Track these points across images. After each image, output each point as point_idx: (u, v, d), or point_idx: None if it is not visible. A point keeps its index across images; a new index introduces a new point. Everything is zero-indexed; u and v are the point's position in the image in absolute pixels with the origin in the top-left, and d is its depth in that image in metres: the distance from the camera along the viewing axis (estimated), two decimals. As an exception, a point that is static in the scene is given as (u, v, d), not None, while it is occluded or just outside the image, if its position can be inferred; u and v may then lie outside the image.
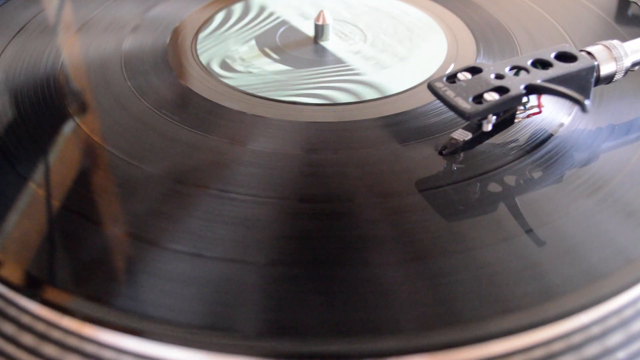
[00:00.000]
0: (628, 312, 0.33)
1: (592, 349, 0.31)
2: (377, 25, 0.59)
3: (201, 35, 0.57)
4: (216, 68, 0.52)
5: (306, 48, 0.56)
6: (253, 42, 0.56)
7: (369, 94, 0.49)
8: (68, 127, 0.46)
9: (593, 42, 0.44)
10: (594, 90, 0.44)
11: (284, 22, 0.60)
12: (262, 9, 0.62)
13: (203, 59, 0.54)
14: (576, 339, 0.31)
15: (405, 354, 0.31)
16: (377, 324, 0.32)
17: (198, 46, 0.55)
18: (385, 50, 0.55)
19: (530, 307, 0.33)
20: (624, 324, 0.32)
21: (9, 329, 0.32)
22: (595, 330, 0.32)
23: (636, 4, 0.60)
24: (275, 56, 0.54)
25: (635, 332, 0.32)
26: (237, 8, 0.62)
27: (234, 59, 0.53)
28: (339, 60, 0.54)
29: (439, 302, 0.33)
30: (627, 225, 0.38)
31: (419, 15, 0.60)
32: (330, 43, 0.57)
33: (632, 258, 0.35)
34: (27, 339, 0.32)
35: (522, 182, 0.40)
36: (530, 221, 0.38)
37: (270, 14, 0.61)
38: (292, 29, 0.59)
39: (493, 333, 0.31)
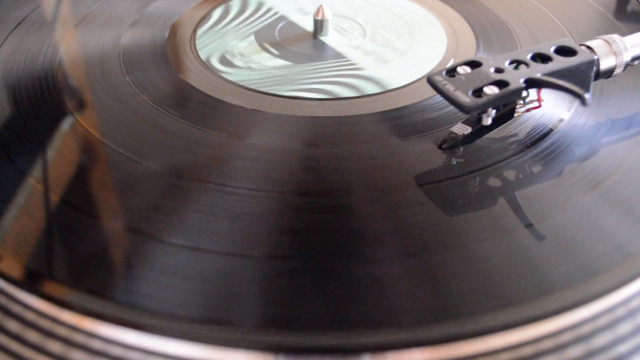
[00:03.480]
0: (625, 308, 0.33)
1: (589, 345, 0.31)
2: (375, 20, 0.59)
3: (200, 31, 0.57)
4: (216, 63, 0.52)
5: (306, 43, 0.56)
6: (252, 37, 0.56)
7: (370, 88, 0.49)
8: (67, 123, 0.46)
9: (593, 37, 0.44)
10: (594, 86, 0.44)
11: (282, 17, 0.60)
12: (260, 4, 0.62)
13: (202, 54, 0.53)
14: (575, 333, 0.31)
15: (404, 348, 0.31)
16: (375, 318, 0.32)
17: (197, 41, 0.55)
18: (385, 45, 0.55)
19: (528, 302, 0.33)
20: (622, 318, 0.32)
21: (8, 323, 0.32)
22: (598, 323, 0.32)
23: (636, -1, 0.60)
24: (274, 51, 0.54)
25: (634, 326, 0.32)
26: (236, 3, 0.62)
27: (234, 54, 0.53)
28: (339, 55, 0.54)
29: (438, 296, 0.33)
30: (627, 220, 0.38)
31: (418, 10, 0.60)
32: (330, 38, 0.57)
33: (631, 253, 0.35)
34: (28, 334, 0.32)
35: (521, 176, 0.40)
36: (529, 216, 0.37)
37: (269, 9, 0.61)
38: (291, 24, 0.59)
39: (491, 327, 0.31)
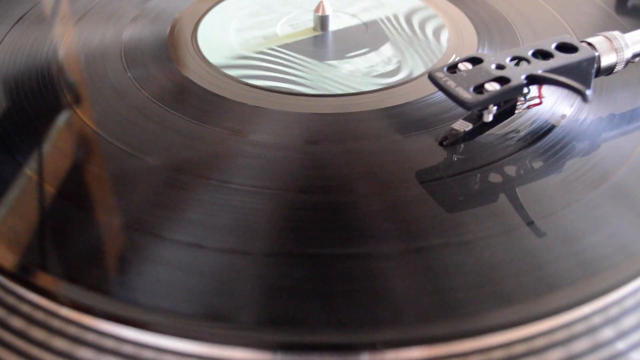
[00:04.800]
0: (629, 303, 0.33)
1: (594, 339, 0.31)
2: (375, 15, 0.59)
3: (201, 27, 0.57)
4: (224, 62, 0.52)
5: (310, 39, 0.56)
6: (256, 33, 0.56)
7: (389, 80, 0.49)
8: (67, 117, 0.46)
9: (594, 34, 0.44)
10: (596, 82, 0.44)
11: (281, 15, 0.59)
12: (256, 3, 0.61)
13: (207, 54, 0.53)
14: (578, 329, 0.31)
15: (405, 345, 0.31)
16: (376, 315, 0.32)
17: (200, 42, 0.55)
18: (389, 38, 0.55)
19: (530, 299, 0.33)
20: (625, 314, 0.32)
21: (1, 313, 0.32)
22: (596, 320, 0.32)
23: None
24: (284, 49, 0.54)
25: (637, 322, 0.32)
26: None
27: (243, 54, 0.53)
28: (346, 50, 0.54)
29: (439, 293, 0.33)
30: (630, 216, 0.38)
31: (420, 7, 0.60)
32: (332, 33, 0.56)
33: (634, 250, 0.35)
34: (24, 326, 0.32)
35: (523, 173, 0.40)
36: (531, 213, 0.37)
37: (267, 6, 0.61)
38: (292, 21, 0.58)
39: (493, 325, 0.31)
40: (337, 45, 0.55)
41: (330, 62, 0.52)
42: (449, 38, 0.55)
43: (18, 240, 0.36)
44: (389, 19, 0.58)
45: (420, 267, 0.34)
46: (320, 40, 0.56)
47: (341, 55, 0.53)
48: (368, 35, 0.56)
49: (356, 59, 0.53)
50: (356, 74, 0.50)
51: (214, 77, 0.50)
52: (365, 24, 0.58)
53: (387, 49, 0.54)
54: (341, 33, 0.57)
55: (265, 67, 0.52)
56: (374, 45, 0.55)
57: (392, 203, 0.39)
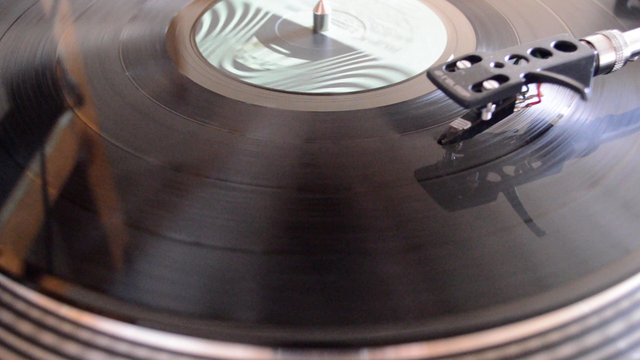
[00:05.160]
0: (625, 304, 0.33)
1: (591, 339, 0.31)
2: (368, 11, 0.59)
3: (199, 26, 0.57)
4: (230, 68, 0.52)
5: (310, 39, 0.56)
6: (255, 39, 0.56)
7: (396, 76, 0.49)
8: (66, 117, 0.45)
9: (592, 32, 0.44)
10: (594, 81, 0.44)
11: (275, 17, 0.59)
12: (249, 5, 0.61)
13: (212, 59, 0.53)
14: (573, 329, 0.31)
15: (403, 343, 0.31)
16: (375, 313, 0.32)
17: (198, 40, 0.55)
18: (389, 35, 0.55)
19: (526, 297, 0.33)
20: (622, 314, 0.32)
21: (7, 317, 0.32)
22: (593, 320, 0.32)
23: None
24: (284, 50, 0.54)
25: (634, 322, 0.32)
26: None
27: (246, 59, 0.53)
28: (349, 48, 0.54)
29: (437, 291, 0.33)
30: (625, 216, 0.38)
31: (418, 6, 0.60)
32: (332, 32, 0.56)
33: (629, 249, 0.35)
34: (25, 327, 0.32)
35: (520, 172, 0.40)
36: (528, 211, 0.37)
37: (259, 9, 0.60)
38: (287, 22, 0.58)
39: (490, 322, 0.31)
40: (333, 45, 0.55)
41: (321, 61, 0.52)
42: (447, 37, 0.55)
43: (19, 241, 0.36)
44: (386, 18, 0.58)
45: (418, 264, 0.34)
46: (325, 39, 0.56)
47: (334, 54, 0.53)
48: (368, 30, 0.56)
49: (368, 53, 0.53)
50: (377, 68, 0.50)
51: (212, 76, 0.50)
52: (361, 20, 0.58)
53: (392, 41, 0.54)
54: (339, 33, 0.57)
55: (284, 71, 0.51)
56: (378, 39, 0.54)
57: (390, 201, 0.39)
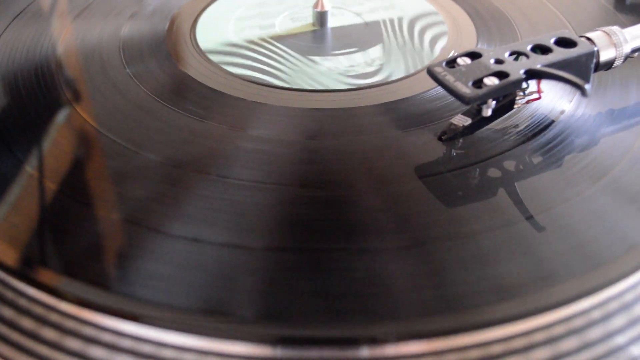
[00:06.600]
0: (629, 297, 0.33)
1: (594, 333, 0.31)
2: (368, 9, 0.59)
3: (199, 23, 0.57)
4: (231, 65, 0.51)
5: (310, 35, 0.56)
6: (256, 35, 0.56)
7: (396, 73, 0.50)
8: (66, 114, 0.45)
9: (592, 29, 0.44)
10: (595, 77, 0.44)
11: (276, 13, 0.59)
12: (248, 2, 0.61)
13: (212, 56, 0.53)
14: (577, 322, 0.31)
15: (404, 340, 0.31)
16: (375, 310, 0.32)
17: (199, 37, 0.55)
18: (389, 32, 0.55)
19: (529, 294, 0.33)
20: (626, 308, 0.32)
21: (7, 312, 0.32)
22: (597, 314, 0.32)
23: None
24: (285, 47, 0.54)
25: (636, 316, 0.32)
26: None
27: (247, 56, 0.53)
28: (349, 45, 0.54)
29: (438, 288, 0.33)
30: (629, 211, 0.38)
31: (419, 2, 0.60)
32: (332, 29, 0.56)
33: (634, 244, 0.35)
34: (26, 322, 0.32)
35: (522, 168, 0.40)
36: (530, 207, 0.37)
37: (259, 6, 0.60)
38: (288, 19, 0.58)
39: (492, 319, 0.31)
40: (329, 42, 0.55)
41: (313, 57, 0.52)
42: (448, 33, 0.55)
43: (19, 236, 0.36)
44: (388, 17, 0.58)
45: (419, 261, 0.35)
46: (315, 36, 0.56)
47: (328, 52, 0.53)
48: (367, 28, 0.56)
49: (340, 57, 0.53)
50: (333, 72, 0.50)
51: (212, 73, 0.50)
52: (361, 17, 0.58)
53: (376, 50, 0.53)
54: (338, 30, 0.57)
55: (252, 59, 0.51)
56: (379, 36, 0.54)
57: (391, 198, 0.39)
